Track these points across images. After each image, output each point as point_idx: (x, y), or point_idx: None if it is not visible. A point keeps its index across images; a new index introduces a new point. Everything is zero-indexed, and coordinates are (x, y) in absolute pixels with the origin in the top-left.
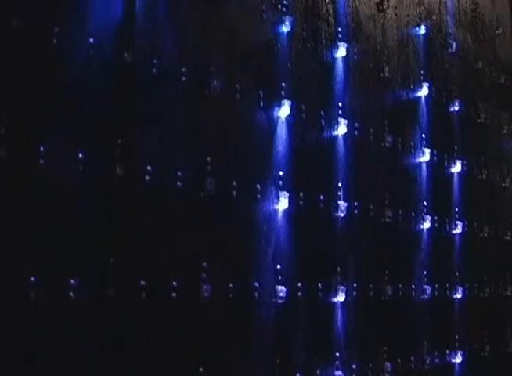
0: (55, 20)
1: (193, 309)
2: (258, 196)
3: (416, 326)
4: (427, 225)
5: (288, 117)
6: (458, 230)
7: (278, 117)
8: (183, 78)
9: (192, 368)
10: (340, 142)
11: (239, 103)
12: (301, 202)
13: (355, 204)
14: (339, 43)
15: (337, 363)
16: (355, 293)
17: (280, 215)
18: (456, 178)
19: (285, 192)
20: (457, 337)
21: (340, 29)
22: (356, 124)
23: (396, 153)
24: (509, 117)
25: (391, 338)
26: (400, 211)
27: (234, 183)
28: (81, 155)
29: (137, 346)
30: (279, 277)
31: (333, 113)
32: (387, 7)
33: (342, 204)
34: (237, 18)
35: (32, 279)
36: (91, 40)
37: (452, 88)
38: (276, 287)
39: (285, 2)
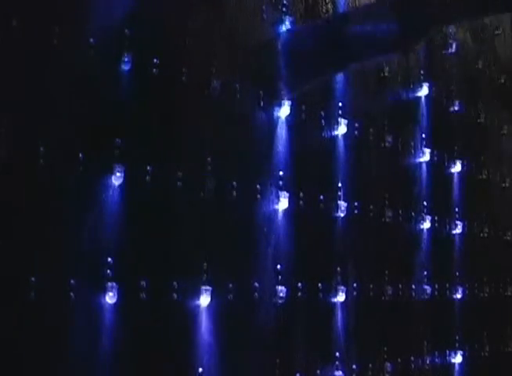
0: (55, 20)
1: (193, 309)
2: (258, 196)
3: (416, 326)
4: (427, 225)
5: (288, 117)
6: (458, 230)
7: (278, 117)
8: (183, 78)
9: (192, 368)
10: (340, 142)
11: (239, 103)
12: (301, 202)
13: (355, 204)
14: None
15: (337, 363)
16: (355, 293)
17: (280, 215)
18: (456, 179)
19: (285, 192)
20: (457, 337)
21: None
22: (356, 124)
23: (396, 153)
24: (509, 117)
25: (391, 338)
26: (400, 211)
27: (234, 183)
28: (81, 155)
29: (137, 346)
30: (279, 277)
31: (333, 113)
32: None
33: (342, 204)
34: (237, 18)
35: (32, 279)
36: (92, 40)
37: (452, 88)
38: (276, 287)
39: (285, 2)
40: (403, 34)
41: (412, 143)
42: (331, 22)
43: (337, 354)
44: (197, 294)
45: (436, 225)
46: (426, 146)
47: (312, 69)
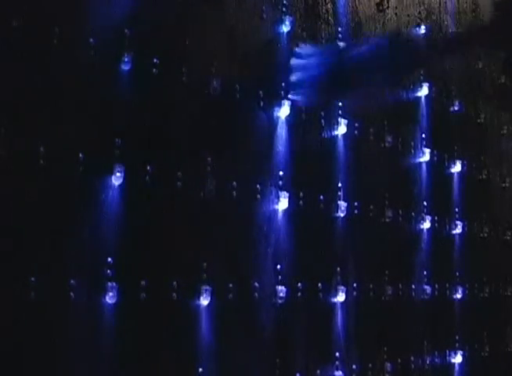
0: (55, 20)
1: (193, 309)
2: (258, 196)
3: (416, 326)
4: (427, 225)
5: (288, 117)
6: (458, 230)
7: (278, 117)
8: (183, 78)
9: (192, 368)
10: (340, 142)
11: (239, 103)
12: (300, 202)
13: (355, 204)
14: (339, 43)
15: (337, 363)
16: (355, 293)
17: (280, 215)
18: (456, 178)
19: (285, 192)
20: (457, 337)
21: (340, 29)
22: (356, 124)
23: (396, 153)
24: (509, 117)
25: (391, 338)
26: (400, 211)
27: (234, 183)
28: (81, 155)
29: (137, 346)
30: (279, 277)
31: (333, 113)
32: (387, 7)
33: (342, 204)
34: (237, 18)
35: (32, 279)
36: (91, 40)
37: (452, 88)
38: (276, 287)
39: (285, 2)
40: (397, 71)
41: (412, 143)
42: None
43: (337, 354)
44: (197, 294)
45: (436, 225)
46: (426, 146)
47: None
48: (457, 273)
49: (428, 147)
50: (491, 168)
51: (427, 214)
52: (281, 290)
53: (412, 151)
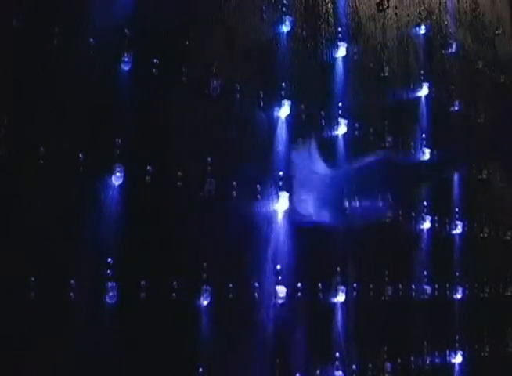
0: (55, 20)
1: (193, 309)
2: (258, 196)
3: (416, 326)
4: (427, 225)
5: (288, 117)
6: (458, 230)
7: (278, 117)
8: (183, 78)
9: (192, 368)
10: (340, 142)
11: (239, 103)
12: None
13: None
14: (339, 43)
15: (337, 363)
16: (355, 293)
17: (280, 215)
18: (456, 178)
19: (285, 192)
20: (457, 337)
21: (340, 29)
22: (356, 124)
23: (396, 153)
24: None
25: (391, 338)
26: (400, 211)
27: (234, 183)
28: (81, 155)
29: (137, 346)
30: (279, 277)
31: (333, 113)
32: (387, 7)
33: None
34: (237, 18)
35: (32, 279)
36: (91, 40)
37: (452, 88)
38: (276, 287)
39: (285, 2)
40: None
41: (412, 143)
42: None
43: (337, 354)
44: (197, 294)
45: (436, 225)
46: (426, 146)
47: None
48: (457, 273)
49: (428, 147)
50: (491, 168)
51: (427, 214)
52: (281, 290)
53: (412, 151)
